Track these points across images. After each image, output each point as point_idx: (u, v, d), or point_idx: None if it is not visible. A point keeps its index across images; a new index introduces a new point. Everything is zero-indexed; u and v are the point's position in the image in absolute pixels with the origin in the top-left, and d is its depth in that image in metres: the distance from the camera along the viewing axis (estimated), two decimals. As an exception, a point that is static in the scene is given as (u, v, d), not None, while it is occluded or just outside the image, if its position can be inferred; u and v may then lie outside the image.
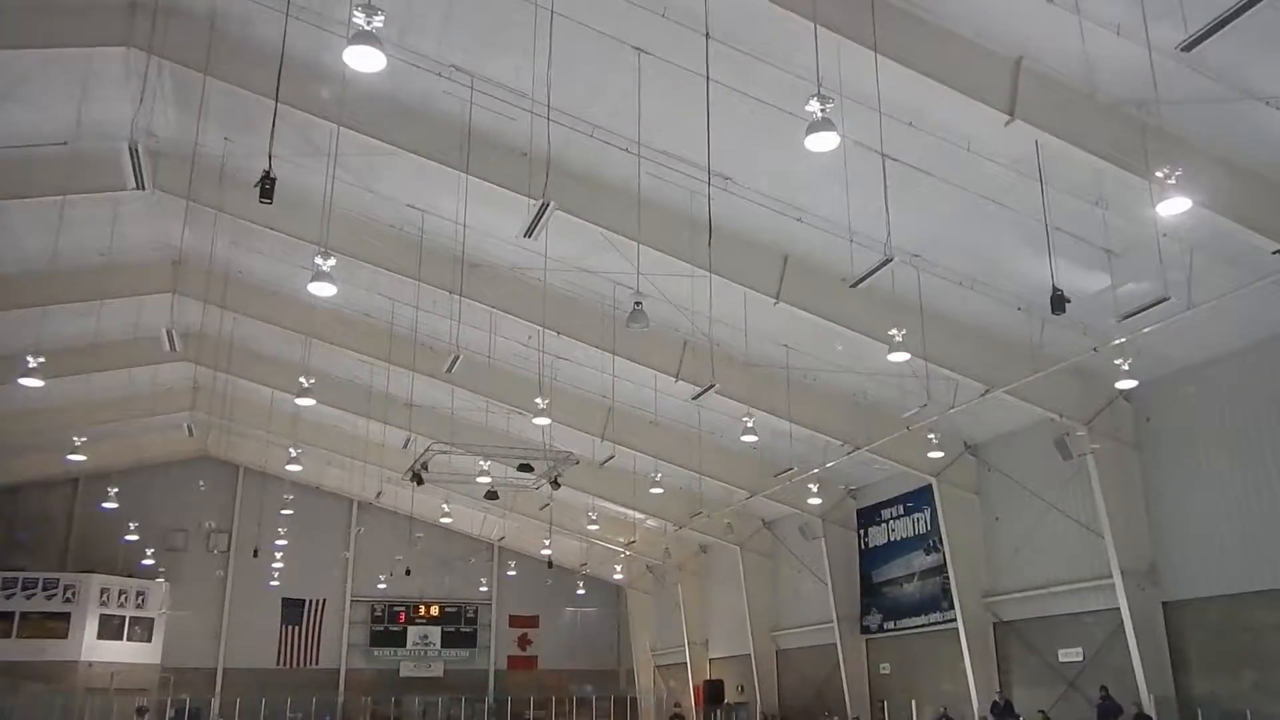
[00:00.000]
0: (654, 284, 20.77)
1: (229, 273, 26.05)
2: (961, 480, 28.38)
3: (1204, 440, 21.87)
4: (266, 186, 13.49)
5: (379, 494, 43.89)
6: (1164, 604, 22.76)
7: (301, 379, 25.74)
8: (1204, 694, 21.50)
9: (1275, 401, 20.32)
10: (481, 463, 29.26)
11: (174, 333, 25.02)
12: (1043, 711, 24.65)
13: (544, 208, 16.49)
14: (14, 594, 39.92)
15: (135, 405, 35.79)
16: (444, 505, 39.08)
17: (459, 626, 50.45)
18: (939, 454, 25.77)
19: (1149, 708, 22.04)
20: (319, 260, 16.35)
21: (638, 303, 19.07)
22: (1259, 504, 20.51)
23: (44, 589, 40.38)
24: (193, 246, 25.11)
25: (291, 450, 31.89)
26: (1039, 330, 20.41)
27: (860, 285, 18.19)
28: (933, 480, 28.56)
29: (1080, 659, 25.12)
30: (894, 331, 19.17)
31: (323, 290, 17.21)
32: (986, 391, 22.76)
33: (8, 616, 39.62)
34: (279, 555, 43.05)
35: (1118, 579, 22.85)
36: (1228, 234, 16.15)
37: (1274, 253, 16.06)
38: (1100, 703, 23.09)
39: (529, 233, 17.39)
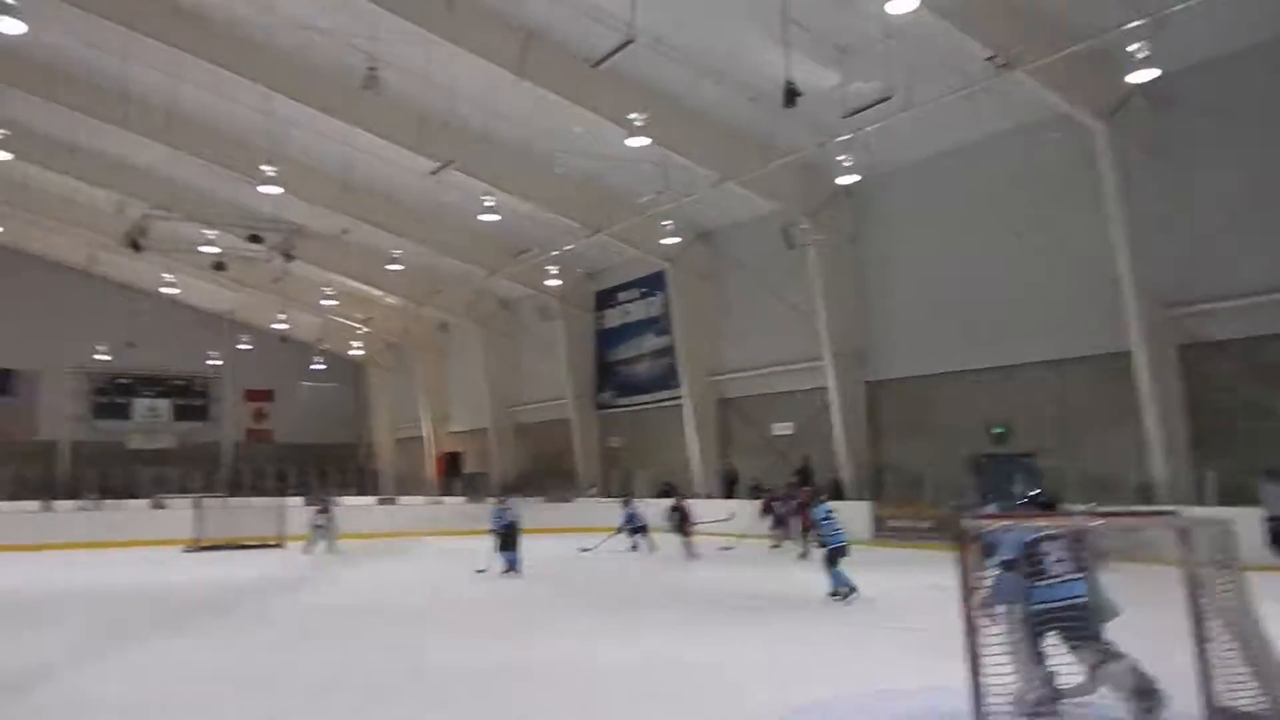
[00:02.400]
0: (392, 51, 19.66)
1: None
2: (694, 266, 29.47)
3: (909, 236, 23.69)
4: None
5: (91, 260, 40.64)
6: (866, 383, 25.06)
7: (-3, 129, 23.05)
8: (894, 460, 24.11)
9: (972, 201, 22.14)
10: (206, 231, 27.62)
11: None
12: (755, 480, 26.88)
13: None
14: None
15: None
16: (166, 275, 36.78)
17: (190, 399, 48.79)
18: (673, 240, 26.51)
19: (845, 473, 24.54)
20: (-2, -8, 14.37)
21: (371, 68, 18.12)
22: (952, 294, 22.60)
23: None
24: None
25: (-15, 209, 28.89)
26: (771, 123, 20.95)
27: (602, 66, 17.94)
28: (666, 266, 29.52)
29: (792, 431, 27.42)
30: (634, 116, 19.16)
31: (10, 26, 15.24)
32: (720, 181, 23.41)
33: None
34: (-18, 323, 39.58)
35: (828, 360, 24.86)
36: (948, 39, 16.94)
37: (986, 59, 17.06)
38: (800, 468, 25.46)
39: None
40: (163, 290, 38.36)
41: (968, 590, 5.47)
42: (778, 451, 27.70)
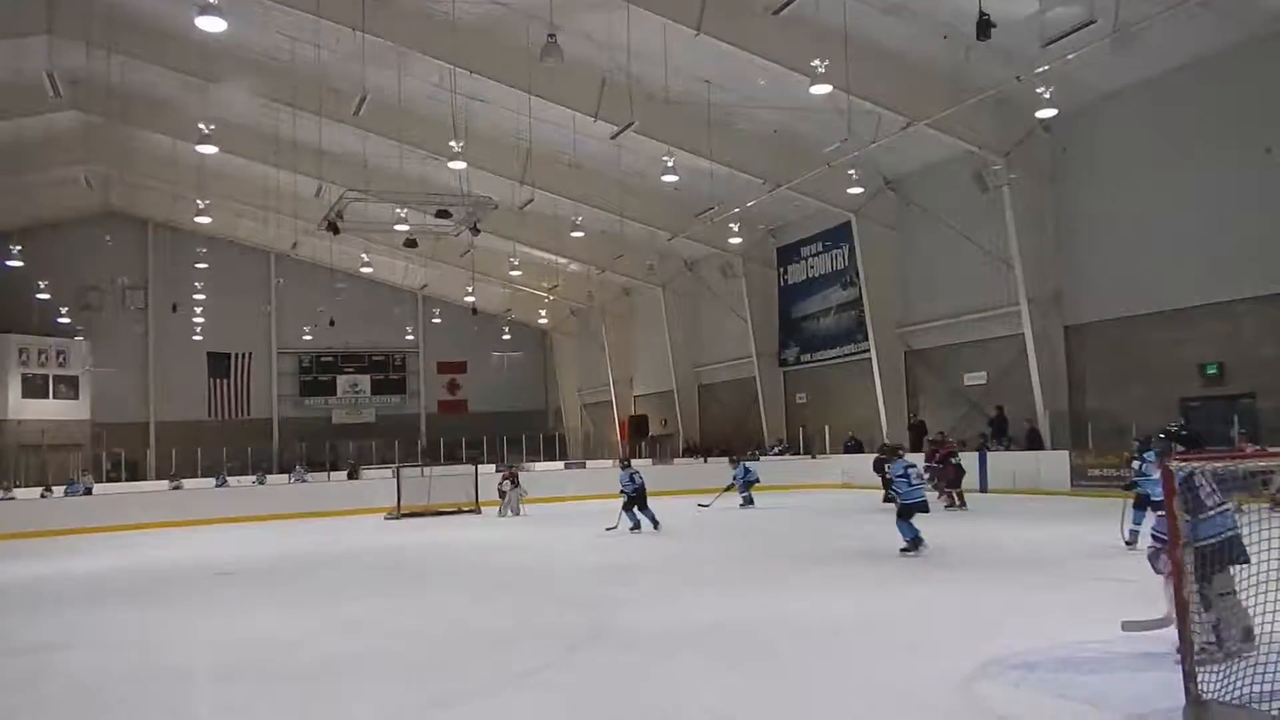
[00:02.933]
0: (568, 18, 19.81)
1: (111, 10, 24.10)
2: (879, 216, 28.70)
3: (1115, 170, 22.25)
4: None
5: (295, 245, 43.09)
6: (1065, 328, 23.88)
7: (201, 125, 24.54)
8: (1095, 409, 22.93)
9: (1188, 127, 20.55)
10: (398, 210, 28.66)
11: (56, 77, 23.33)
12: (941, 432, 26.08)
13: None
14: (-71, 353, 39.31)
15: (26, 158, 33.90)
16: (363, 255, 38.56)
17: (388, 374, 51.31)
18: (859, 190, 25.87)
19: (1042, 423, 23.51)
20: (205, -9, 15.21)
21: (551, 35, 18.25)
22: (1161, 229, 21.17)
23: (-40, 349, 39.79)
24: (66, -19, 23.13)
25: (199, 202, 30.85)
26: (963, 59, 20.07)
27: (783, 13, 17.52)
28: (851, 216, 28.85)
29: (984, 382, 26.45)
30: (816, 63, 18.71)
31: (213, 25, 16.14)
32: (908, 124, 22.59)
33: (-75, 379, 39.16)
34: (199, 310, 42.55)
35: (1024, 305, 23.79)
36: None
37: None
38: (993, 417, 24.55)
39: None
40: (360, 270, 40.23)
41: (1175, 538, 5.11)
42: (970, 402, 26.79)
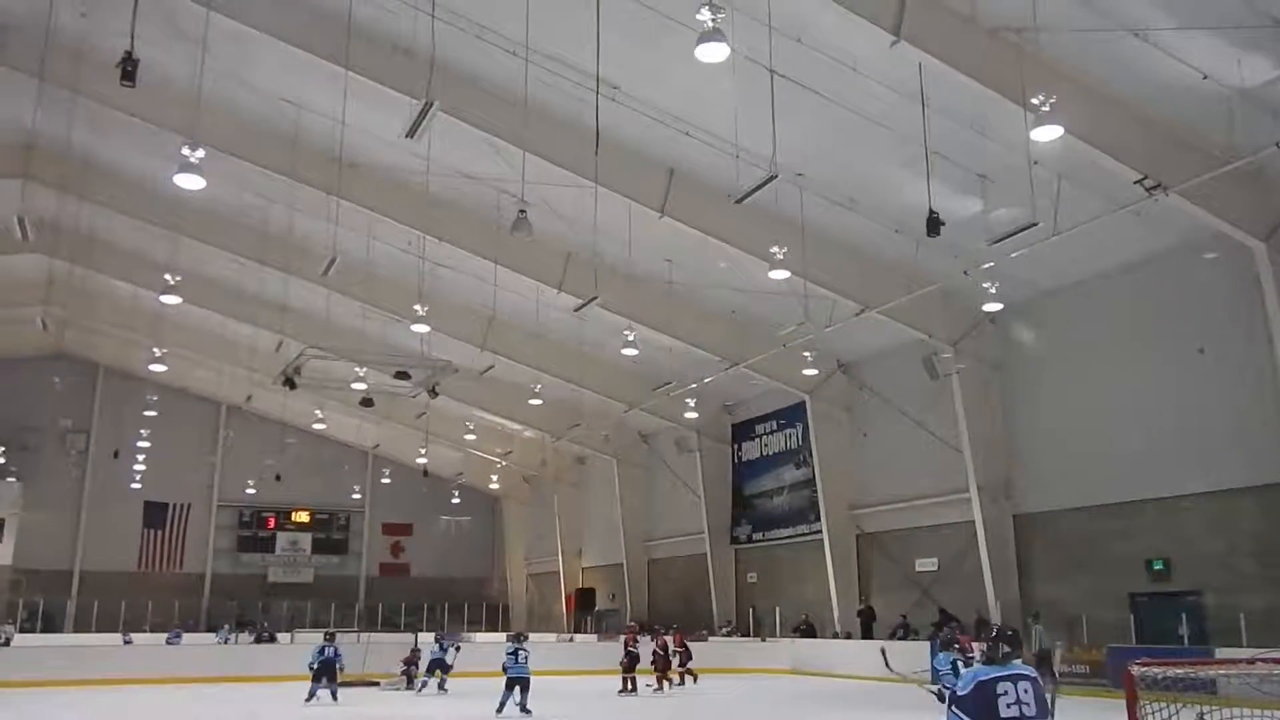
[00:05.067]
0: (538, 193, 20.51)
1: (87, 160, 24.57)
2: (833, 397, 29.20)
3: (1059, 363, 22.96)
4: (128, 69, 12.77)
5: (249, 398, 42.75)
6: (1014, 516, 24.07)
7: (167, 276, 24.73)
8: (1045, 598, 22.90)
9: (1122, 326, 21.44)
10: (357, 369, 28.75)
11: (26, 221, 23.50)
12: (904, 616, 25.89)
13: (427, 107, 15.96)
14: None
15: (-16, 297, 33.83)
16: (317, 411, 38.34)
17: (330, 533, 50.04)
18: (813, 371, 26.44)
19: (993, 613, 23.39)
20: (186, 151, 15.56)
21: (522, 210, 18.84)
22: (1105, 423, 21.69)
23: (-119, 484, 38.48)
24: (47, 130, 23.56)
25: (155, 350, 30.73)
26: (914, 252, 20.91)
27: (744, 202, 18.22)
28: (806, 397, 29.33)
29: (936, 568, 26.41)
30: (775, 249, 19.41)
31: (191, 183, 16.44)
32: (861, 311, 23.35)
33: None
34: (141, 458, 41.73)
35: (974, 493, 24.01)
36: (1095, 163, 16.77)
37: (1135, 182, 16.77)
38: (939, 618, 24.25)
39: (411, 133, 16.82)
40: (313, 426, 39.90)
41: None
42: (921, 589, 26.68)
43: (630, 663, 21.45)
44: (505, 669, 16.54)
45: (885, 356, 27.33)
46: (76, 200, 25.17)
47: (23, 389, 42.32)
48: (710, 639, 31.35)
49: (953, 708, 6.66)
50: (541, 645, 30.77)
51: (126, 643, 31.57)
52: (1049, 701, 6.49)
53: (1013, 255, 18.91)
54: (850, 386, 29.16)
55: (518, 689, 16.34)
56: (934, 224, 16.55)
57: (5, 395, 41.05)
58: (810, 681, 25.03)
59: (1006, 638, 6.55)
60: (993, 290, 20.15)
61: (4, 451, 41.46)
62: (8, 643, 30.32)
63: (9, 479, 41.77)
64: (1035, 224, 17.46)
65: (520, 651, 16.57)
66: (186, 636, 34.10)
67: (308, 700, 18.48)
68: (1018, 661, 6.48)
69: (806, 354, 25.38)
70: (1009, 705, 6.27)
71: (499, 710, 16.35)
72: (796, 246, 19.92)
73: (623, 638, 22.58)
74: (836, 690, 22.12)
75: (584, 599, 41.88)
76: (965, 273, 20.47)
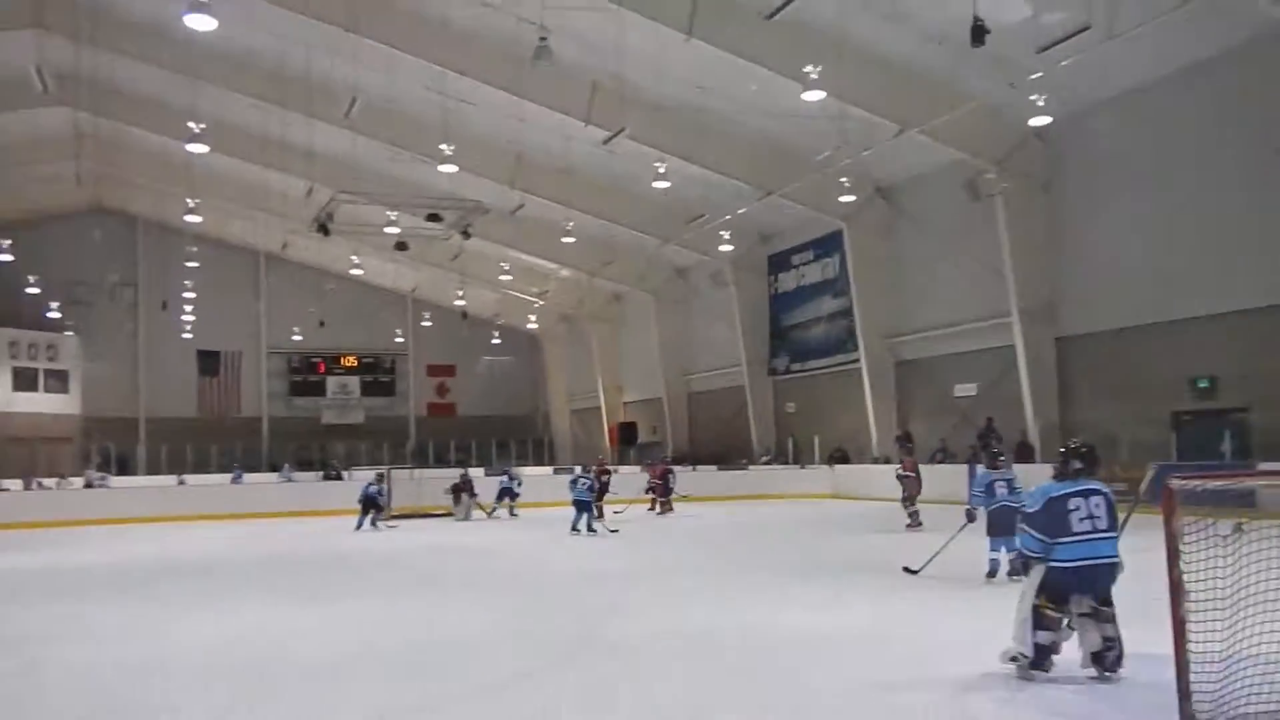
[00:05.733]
0: (559, 19, 19.65)
1: (97, 5, 23.88)
2: (871, 224, 28.57)
3: (1110, 179, 22.05)
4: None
5: (285, 245, 42.87)
6: (1057, 339, 23.74)
7: (191, 124, 24.33)
8: (1085, 421, 22.74)
9: (1189, 132, 20.22)
10: (389, 213, 28.52)
11: (44, 72, 23.11)
12: (942, 440, 26.02)
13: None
14: (-79, 345, 39.29)
15: (15, 153, 33.74)
16: (353, 257, 38.37)
17: (377, 376, 51.09)
18: (850, 198, 25.73)
19: (1032, 435, 23.40)
20: (193, -13, 15.05)
21: (542, 38, 18.11)
22: (1158, 239, 20.98)
23: (-48, 340, 39.80)
24: (55, -24, 22.97)
25: (189, 201, 30.62)
26: (956, 66, 19.96)
27: (775, 17, 17.40)
28: (843, 225, 28.75)
29: (974, 393, 26.34)
30: (809, 69, 18.59)
31: (201, 24, 15.99)
32: (900, 132, 22.51)
33: (-83, 367, 39.22)
34: (189, 309, 42.28)
35: (1015, 317, 23.66)
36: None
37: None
38: (983, 429, 24.38)
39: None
40: (351, 272, 40.05)
41: (1173, 556, 4.95)
42: (960, 413, 26.69)
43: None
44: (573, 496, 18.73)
45: (925, 180, 26.54)
46: (92, 49, 24.59)
47: (68, 245, 42.68)
48: (750, 467, 31.91)
49: (1023, 524, 6.66)
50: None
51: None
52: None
53: (1063, 64, 17.97)
54: (889, 212, 28.48)
55: (584, 513, 18.55)
56: (978, 32, 15.72)
57: (52, 251, 41.49)
58: (848, 504, 25.42)
59: (1080, 454, 6.53)
60: (1040, 103, 19.16)
61: (59, 307, 42.36)
62: (103, 483, 32.36)
63: (67, 332, 42.87)
64: (1087, 27, 16.48)
65: (582, 480, 18.98)
66: (249, 476, 35.59)
67: (356, 529, 20.51)
68: (1089, 478, 6.44)
69: (843, 180, 24.66)
70: (1081, 520, 6.29)
71: (573, 529, 18.33)
72: (831, 65, 19.03)
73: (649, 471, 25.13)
74: (872, 512, 22.40)
75: (626, 433, 42.58)
76: (1011, 85, 19.47)
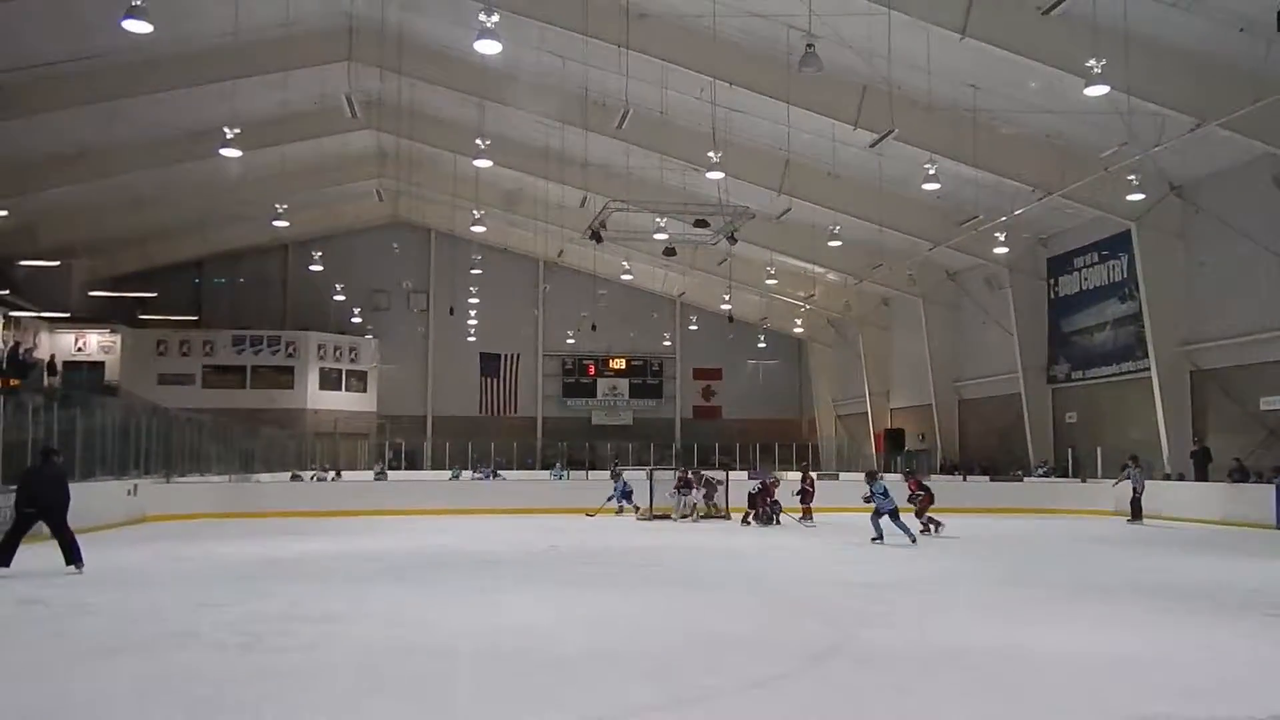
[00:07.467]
0: (828, 24, 19.64)
1: (401, 37, 26.15)
2: (1164, 224, 26.59)
3: None
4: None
5: (560, 253, 45.07)
6: (1385, 349, 21.28)
7: (478, 140, 26.16)
8: None
9: None
10: (658, 219, 29.42)
11: (353, 99, 25.56)
12: (1237, 459, 23.89)
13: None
14: (244, 349, 45.00)
15: (327, 174, 37.53)
16: (624, 263, 39.83)
17: (645, 379, 52.69)
18: (1139, 196, 24.06)
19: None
20: (483, 16, 16.27)
21: (810, 45, 18.15)
22: None
23: (269, 345, 45.08)
24: (364, 12, 25.32)
25: (475, 212, 32.86)
26: (1262, 52, 18.30)
27: (1055, 11, 16.63)
28: (1132, 225, 26.90)
29: (1287, 406, 24.02)
30: (1092, 63, 17.59)
31: (489, 48, 17.18)
32: (1197, 125, 20.84)
33: (240, 370, 44.79)
34: (473, 313, 45.36)
35: (1335, 323, 21.39)
36: None
37: None
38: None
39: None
40: (621, 277, 41.58)
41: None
42: (1268, 428, 24.35)
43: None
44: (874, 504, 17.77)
45: (1226, 175, 24.43)
46: (395, 76, 26.95)
47: (369, 256, 47.42)
48: (1025, 479, 30.47)
49: None
50: (852, 484, 31.36)
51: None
52: None
53: (1389, 45, 16.15)
54: (1184, 211, 26.40)
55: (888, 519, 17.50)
56: (1286, 16, 14.40)
57: (357, 262, 46.15)
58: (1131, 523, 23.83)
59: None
60: (1362, 89, 17.33)
61: (360, 313, 46.88)
62: (383, 476, 35.19)
63: (367, 336, 47.30)
64: None
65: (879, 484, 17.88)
66: (523, 473, 37.71)
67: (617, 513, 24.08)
68: None
69: (1132, 177, 23.11)
70: None
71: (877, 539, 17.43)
72: (1117, 58, 17.90)
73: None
74: (1155, 534, 20.90)
75: (893, 439, 41.69)
76: (1328, 71, 17.71)
